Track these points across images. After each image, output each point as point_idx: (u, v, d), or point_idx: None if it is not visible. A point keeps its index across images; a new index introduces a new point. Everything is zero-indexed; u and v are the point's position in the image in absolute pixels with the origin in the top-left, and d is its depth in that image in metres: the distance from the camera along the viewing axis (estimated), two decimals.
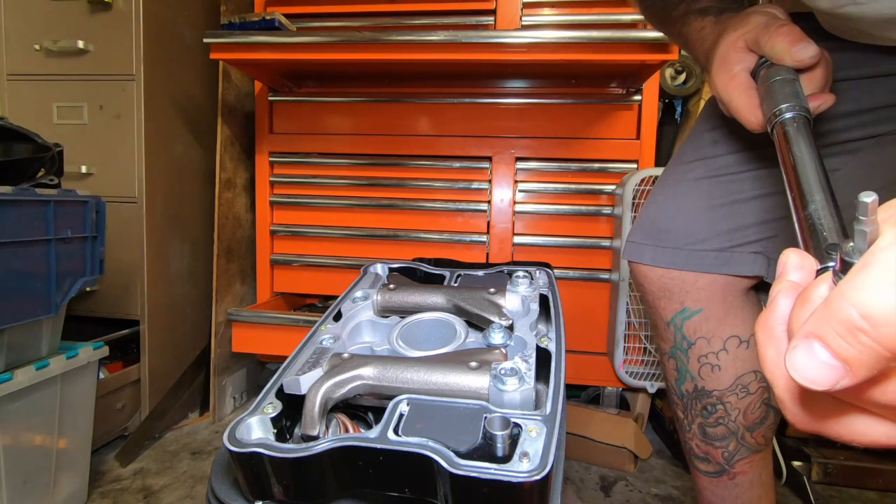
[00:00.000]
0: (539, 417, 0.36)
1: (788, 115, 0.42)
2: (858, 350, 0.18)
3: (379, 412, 0.42)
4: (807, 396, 0.23)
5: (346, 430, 0.41)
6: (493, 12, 1.35)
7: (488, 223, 1.42)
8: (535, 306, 0.53)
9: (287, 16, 1.28)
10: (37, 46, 1.28)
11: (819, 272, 0.26)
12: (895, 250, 0.18)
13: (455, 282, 0.64)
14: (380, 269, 0.66)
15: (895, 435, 0.22)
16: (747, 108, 0.49)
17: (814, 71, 0.47)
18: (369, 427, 0.45)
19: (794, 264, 0.26)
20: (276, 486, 0.36)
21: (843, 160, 0.60)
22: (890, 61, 0.55)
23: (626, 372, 1.27)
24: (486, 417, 0.36)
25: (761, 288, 0.69)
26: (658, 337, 0.73)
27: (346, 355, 0.43)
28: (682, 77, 1.46)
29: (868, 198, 0.20)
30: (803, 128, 0.40)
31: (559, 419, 0.36)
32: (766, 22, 0.48)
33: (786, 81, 0.45)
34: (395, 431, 0.36)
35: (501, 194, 1.41)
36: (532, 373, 0.41)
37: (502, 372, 0.39)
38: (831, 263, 0.26)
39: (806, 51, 0.45)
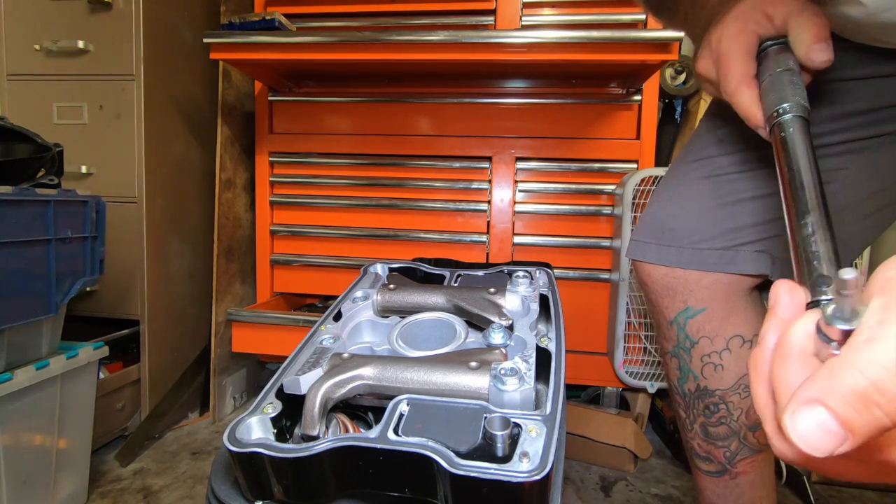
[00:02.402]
0: (539, 417, 0.36)
1: (787, 116, 0.40)
2: (867, 420, 0.19)
3: (379, 412, 0.42)
4: None
5: (346, 430, 0.41)
6: (493, 12, 1.35)
7: (488, 223, 1.42)
8: (535, 306, 0.53)
9: (287, 16, 1.28)
10: (37, 46, 1.28)
11: (809, 305, 0.27)
12: None
13: (455, 282, 0.64)
14: (380, 269, 0.66)
15: (873, 474, 0.22)
16: (750, 98, 0.46)
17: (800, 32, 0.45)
18: (369, 427, 0.45)
19: (785, 301, 0.27)
20: (276, 486, 0.36)
21: (848, 159, 0.60)
22: (894, 62, 0.55)
23: (626, 372, 1.27)
24: (486, 417, 0.36)
25: (765, 287, 0.69)
26: (661, 336, 0.73)
27: (346, 355, 0.43)
28: (682, 77, 1.46)
29: (849, 275, 0.21)
30: (801, 135, 0.39)
31: (559, 419, 0.36)
32: (802, 4, 0.45)
33: (788, 73, 0.43)
34: (395, 431, 0.36)
35: (501, 194, 1.41)
36: (532, 373, 0.41)
37: (502, 372, 0.39)
38: (823, 298, 0.27)
39: (822, 53, 0.43)
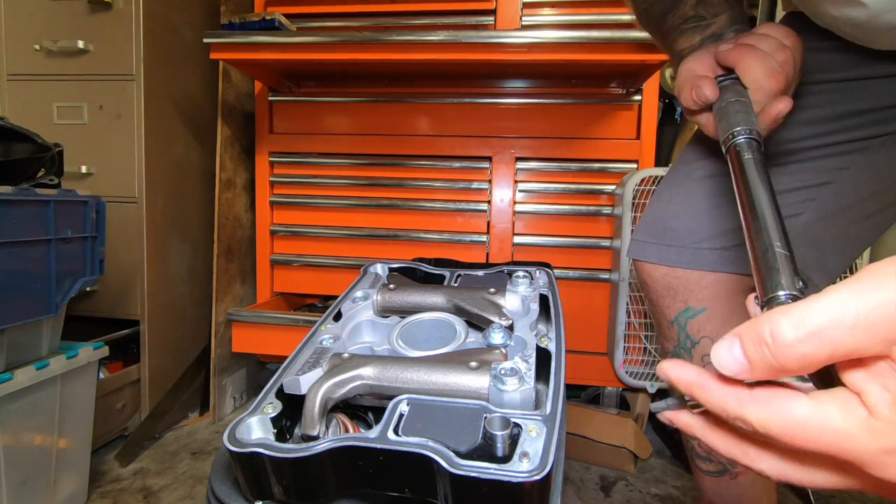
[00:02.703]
0: (539, 417, 0.36)
1: (740, 139, 0.44)
2: (759, 357, 0.24)
3: (379, 412, 0.42)
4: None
5: (346, 430, 0.41)
6: (493, 12, 1.35)
7: (488, 223, 1.42)
8: (535, 306, 0.53)
9: (287, 16, 1.28)
10: (37, 46, 1.28)
11: (763, 305, 0.32)
12: (828, 306, 0.23)
13: (455, 282, 0.64)
14: (380, 269, 0.66)
15: (780, 470, 0.27)
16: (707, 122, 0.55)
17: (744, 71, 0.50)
18: (369, 427, 0.45)
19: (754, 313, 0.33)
20: (276, 486, 0.36)
21: (850, 159, 0.60)
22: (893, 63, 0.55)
23: (626, 372, 1.27)
24: (486, 417, 0.36)
25: None
26: (661, 336, 0.73)
27: (346, 355, 0.43)
28: None
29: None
30: (753, 157, 0.43)
31: (559, 419, 0.36)
32: (680, 81, 0.55)
33: (737, 103, 0.48)
34: (395, 431, 0.35)
35: (501, 194, 1.41)
36: (532, 373, 0.41)
37: (502, 372, 0.39)
38: (782, 293, 0.31)
39: (702, 94, 0.51)
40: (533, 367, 0.41)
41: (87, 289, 1.13)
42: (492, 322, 0.48)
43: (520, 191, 1.40)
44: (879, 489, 0.25)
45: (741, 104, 0.47)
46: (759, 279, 0.33)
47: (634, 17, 0.69)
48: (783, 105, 0.49)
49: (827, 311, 0.23)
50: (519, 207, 1.40)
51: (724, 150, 0.46)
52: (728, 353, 0.26)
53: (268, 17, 1.22)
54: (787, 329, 0.23)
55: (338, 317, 0.53)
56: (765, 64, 0.49)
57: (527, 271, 0.62)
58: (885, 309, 0.21)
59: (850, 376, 0.24)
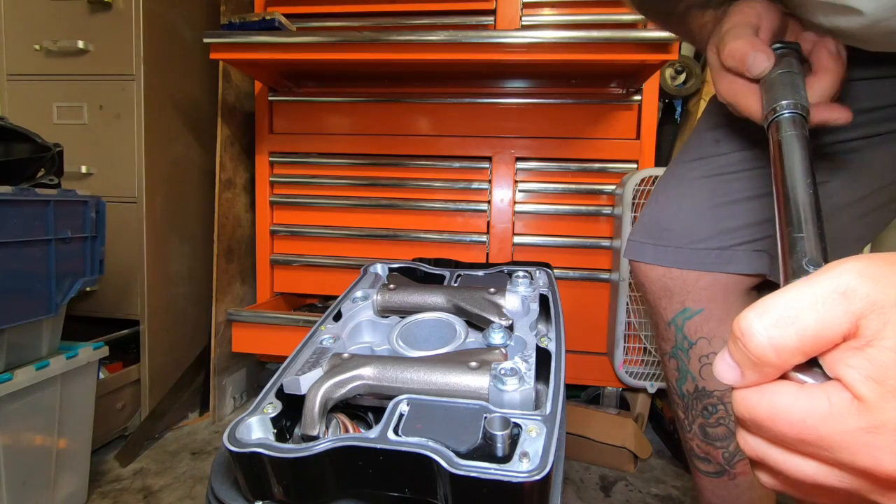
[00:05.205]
0: (539, 417, 0.36)
1: (785, 113, 0.41)
2: (740, 355, 0.25)
3: (379, 412, 0.42)
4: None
5: (346, 430, 0.41)
6: (493, 12, 1.35)
7: (488, 223, 1.42)
8: (535, 306, 0.53)
9: (287, 16, 1.28)
10: (37, 46, 1.28)
11: None
12: (788, 293, 0.24)
13: (455, 282, 0.64)
14: (380, 269, 0.66)
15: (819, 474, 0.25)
16: (746, 93, 0.48)
17: (819, 76, 0.47)
18: (369, 427, 0.45)
19: None
20: (276, 486, 0.36)
21: (848, 158, 0.60)
22: (891, 64, 0.55)
23: (626, 372, 1.27)
24: (486, 417, 0.36)
25: (764, 287, 0.69)
26: (659, 337, 0.73)
27: (346, 355, 0.43)
28: (682, 77, 1.46)
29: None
30: (797, 135, 0.39)
31: (559, 419, 0.36)
32: (726, 30, 0.47)
33: (787, 75, 0.43)
34: (395, 431, 0.36)
35: (501, 194, 1.41)
36: (532, 373, 0.41)
37: (502, 372, 0.39)
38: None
39: (756, 65, 0.45)
40: (533, 367, 0.41)
41: (87, 289, 1.13)
42: (492, 322, 0.48)
43: (520, 191, 1.40)
44: (871, 485, 0.23)
45: (791, 76, 0.43)
46: (784, 265, 0.32)
47: (631, 1, 0.65)
48: (843, 115, 0.45)
49: (787, 296, 0.24)
50: (519, 207, 1.40)
51: (765, 125, 0.43)
52: (723, 363, 0.26)
53: (268, 17, 1.22)
54: (754, 320, 0.24)
55: (338, 317, 0.53)
56: (835, 81, 0.47)
57: (527, 271, 0.62)
58: (839, 288, 0.23)
59: (826, 363, 0.24)
